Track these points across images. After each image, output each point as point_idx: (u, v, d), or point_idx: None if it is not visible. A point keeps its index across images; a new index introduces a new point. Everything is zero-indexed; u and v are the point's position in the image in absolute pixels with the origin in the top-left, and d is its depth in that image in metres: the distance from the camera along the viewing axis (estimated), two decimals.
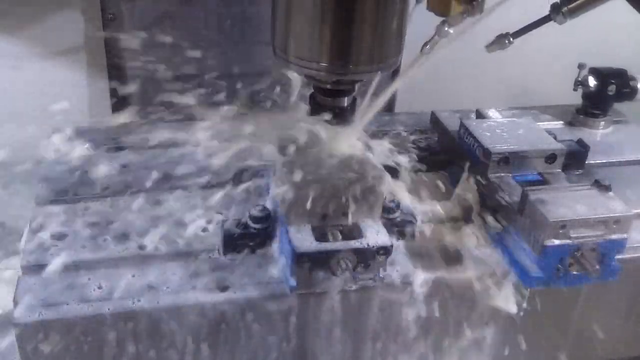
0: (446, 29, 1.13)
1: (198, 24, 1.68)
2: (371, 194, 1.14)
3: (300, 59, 1.10)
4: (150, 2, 1.62)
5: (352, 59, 1.09)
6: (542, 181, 1.30)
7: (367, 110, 1.26)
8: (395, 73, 1.26)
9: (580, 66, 1.66)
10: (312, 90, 1.23)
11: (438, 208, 1.33)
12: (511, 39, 1.26)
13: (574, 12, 1.21)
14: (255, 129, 1.31)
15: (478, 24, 1.17)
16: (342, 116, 1.20)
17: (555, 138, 1.38)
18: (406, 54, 1.22)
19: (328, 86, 1.16)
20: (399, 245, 1.21)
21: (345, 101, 1.19)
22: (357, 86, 1.22)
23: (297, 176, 1.12)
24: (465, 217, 1.29)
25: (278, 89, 1.52)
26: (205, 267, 1.15)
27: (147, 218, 1.24)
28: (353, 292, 1.13)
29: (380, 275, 1.13)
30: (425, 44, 1.16)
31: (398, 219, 1.22)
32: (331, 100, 1.18)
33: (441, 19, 1.14)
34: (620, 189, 1.22)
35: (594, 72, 1.67)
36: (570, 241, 1.13)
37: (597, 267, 1.13)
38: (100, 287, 1.09)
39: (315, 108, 1.20)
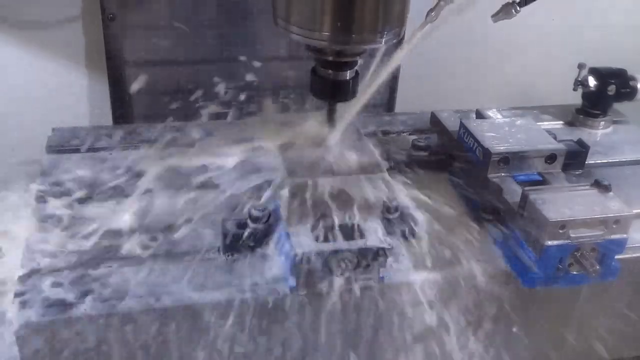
0: None
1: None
2: (371, 194, 1.14)
3: (301, 28, 1.06)
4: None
5: (354, 29, 1.05)
6: (542, 181, 1.30)
7: (371, 83, 1.22)
8: (399, 45, 1.22)
9: (580, 66, 1.66)
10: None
11: (438, 208, 1.33)
12: (518, 8, 1.22)
13: None
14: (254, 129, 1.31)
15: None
16: (344, 90, 1.17)
17: (555, 138, 1.38)
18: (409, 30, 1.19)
19: (330, 58, 1.12)
20: (398, 245, 1.21)
21: (348, 74, 1.15)
22: (359, 58, 1.17)
23: (297, 176, 1.12)
24: None
25: None
26: (205, 267, 1.15)
27: (147, 218, 1.24)
28: (353, 292, 1.13)
29: (380, 275, 1.13)
30: (431, 11, 1.13)
31: (398, 219, 1.22)
32: (333, 74, 1.14)
33: None
34: (620, 189, 1.22)
35: (594, 72, 1.67)
36: (570, 241, 1.13)
37: (597, 267, 1.13)
38: (100, 288, 1.08)
39: (316, 82, 1.17)
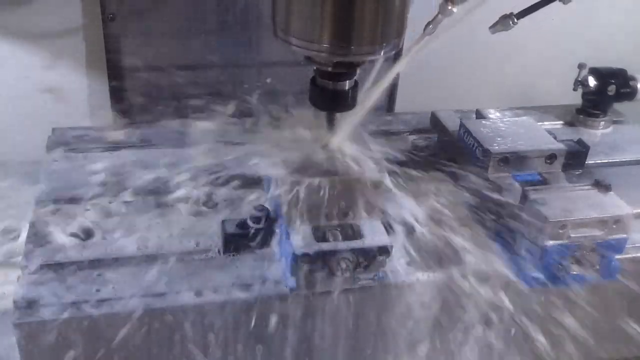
0: (450, 7, 1.11)
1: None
2: (371, 194, 1.14)
3: (300, 40, 1.07)
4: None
5: (353, 40, 1.06)
6: (542, 181, 1.30)
7: (369, 94, 1.23)
8: (397, 55, 1.23)
9: (580, 66, 1.66)
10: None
11: (438, 208, 1.33)
12: (515, 20, 1.23)
13: None
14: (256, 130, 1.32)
15: (480, 17, 1.16)
16: (343, 100, 1.17)
17: (555, 138, 1.38)
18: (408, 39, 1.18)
19: (329, 68, 1.12)
20: (398, 245, 1.21)
21: (347, 85, 1.16)
22: (358, 69, 1.17)
23: (297, 176, 1.12)
24: None
25: None
26: (205, 267, 1.15)
27: (147, 218, 1.24)
28: (353, 292, 1.13)
29: (380, 275, 1.13)
30: (429, 24, 1.14)
31: (398, 219, 1.22)
32: (332, 84, 1.14)
33: None
34: (620, 189, 1.22)
35: (594, 72, 1.67)
36: (570, 241, 1.13)
37: (597, 267, 1.13)
38: (100, 288, 1.09)
39: (316, 92, 1.18)
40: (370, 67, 1.23)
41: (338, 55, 1.08)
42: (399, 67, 1.22)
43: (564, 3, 1.19)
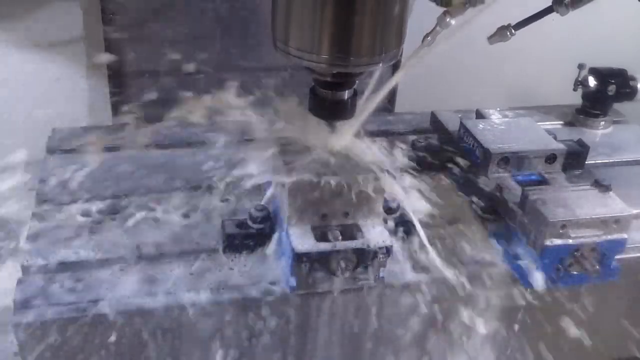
0: (448, 19, 1.12)
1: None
2: (371, 194, 1.14)
3: (300, 51, 1.08)
4: None
5: (352, 51, 1.07)
6: (542, 181, 1.30)
7: (368, 103, 1.25)
8: (396, 65, 1.24)
9: (580, 66, 1.66)
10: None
11: (438, 208, 1.33)
12: (513, 31, 1.24)
13: (576, 3, 1.19)
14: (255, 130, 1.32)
15: (479, 18, 1.17)
16: (342, 109, 1.18)
17: (555, 138, 1.38)
18: (407, 47, 1.20)
19: (328, 79, 1.14)
20: (398, 245, 1.21)
21: (346, 94, 1.17)
22: (357, 79, 1.18)
23: (297, 175, 1.12)
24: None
25: None
26: (205, 267, 1.15)
27: (147, 218, 1.25)
28: (353, 292, 1.13)
29: (381, 275, 1.13)
30: (427, 35, 1.16)
31: (398, 219, 1.22)
32: (331, 93, 1.15)
33: (443, 9, 1.13)
34: (620, 189, 1.22)
35: (594, 72, 1.67)
36: (570, 241, 1.14)
37: (597, 267, 1.13)
38: (100, 288, 1.09)
39: (315, 101, 1.19)
40: (370, 76, 1.24)
41: (337, 66, 1.08)
42: (398, 77, 1.25)
43: (561, 15, 1.20)
